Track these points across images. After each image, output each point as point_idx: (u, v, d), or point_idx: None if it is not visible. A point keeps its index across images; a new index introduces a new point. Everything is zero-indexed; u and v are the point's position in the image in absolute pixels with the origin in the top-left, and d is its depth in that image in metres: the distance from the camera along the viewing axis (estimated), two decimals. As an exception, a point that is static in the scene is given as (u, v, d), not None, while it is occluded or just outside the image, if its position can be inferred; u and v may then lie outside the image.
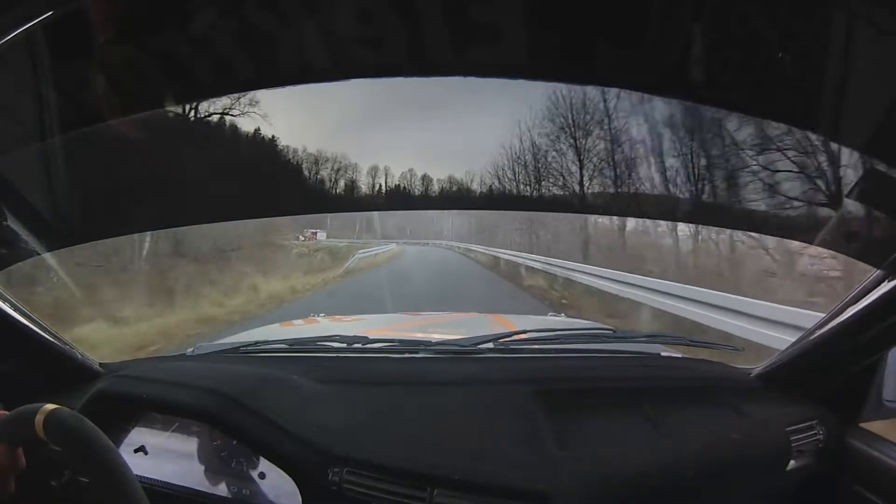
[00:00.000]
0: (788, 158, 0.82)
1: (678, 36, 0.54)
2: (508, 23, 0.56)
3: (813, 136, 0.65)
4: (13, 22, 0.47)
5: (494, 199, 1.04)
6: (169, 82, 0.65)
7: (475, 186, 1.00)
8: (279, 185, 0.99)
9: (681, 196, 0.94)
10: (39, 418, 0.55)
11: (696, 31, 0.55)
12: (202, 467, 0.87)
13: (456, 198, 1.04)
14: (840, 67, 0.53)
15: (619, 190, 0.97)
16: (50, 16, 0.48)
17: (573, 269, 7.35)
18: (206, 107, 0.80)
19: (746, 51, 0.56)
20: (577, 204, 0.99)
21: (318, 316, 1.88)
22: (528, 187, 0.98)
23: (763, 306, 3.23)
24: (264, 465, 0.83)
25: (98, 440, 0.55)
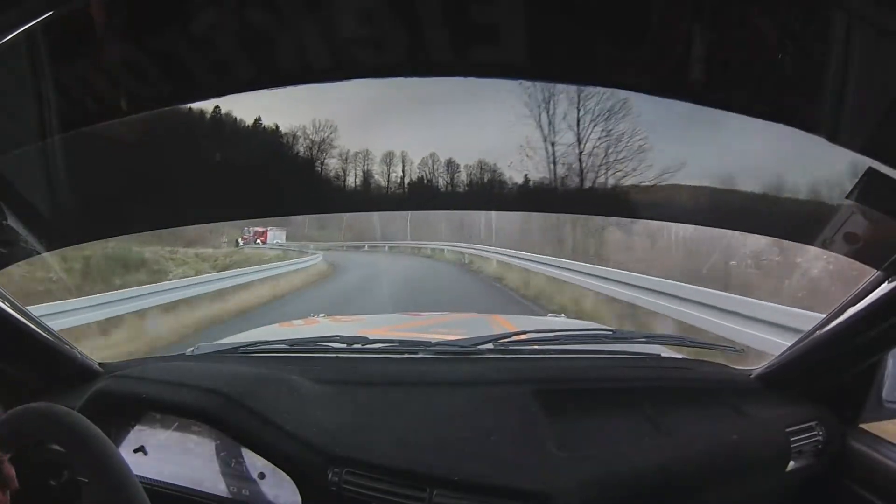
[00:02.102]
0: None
1: (678, 36, 0.55)
2: (508, 23, 0.56)
3: (813, 136, 0.65)
4: (13, 22, 0.47)
5: (528, 199, 0.97)
6: (169, 82, 0.65)
7: (506, 181, 0.93)
8: (280, 185, 0.99)
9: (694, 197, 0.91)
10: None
11: (696, 31, 0.55)
12: (202, 467, 0.87)
13: (486, 194, 0.97)
14: (840, 67, 0.53)
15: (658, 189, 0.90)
16: (50, 16, 0.48)
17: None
18: (206, 106, 0.80)
19: (747, 51, 0.56)
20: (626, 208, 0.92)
21: (318, 316, 1.88)
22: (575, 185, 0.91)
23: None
24: (264, 465, 0.83)
25: (97, 440, 0.55)
